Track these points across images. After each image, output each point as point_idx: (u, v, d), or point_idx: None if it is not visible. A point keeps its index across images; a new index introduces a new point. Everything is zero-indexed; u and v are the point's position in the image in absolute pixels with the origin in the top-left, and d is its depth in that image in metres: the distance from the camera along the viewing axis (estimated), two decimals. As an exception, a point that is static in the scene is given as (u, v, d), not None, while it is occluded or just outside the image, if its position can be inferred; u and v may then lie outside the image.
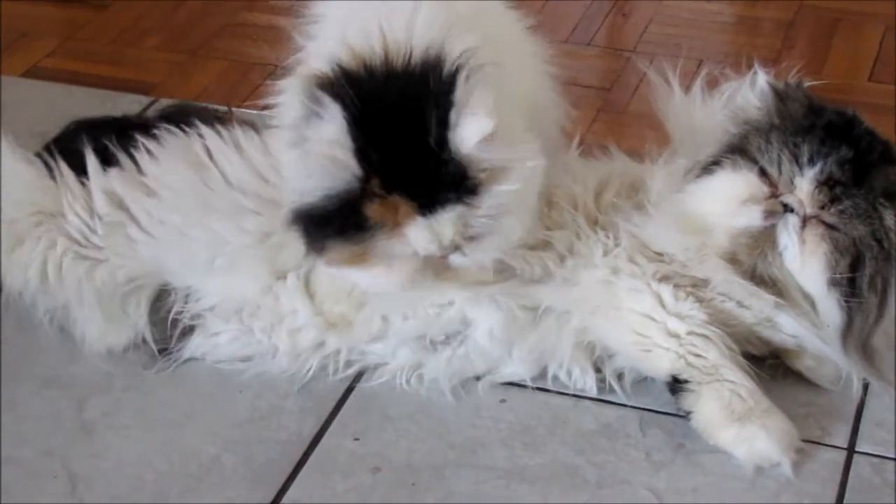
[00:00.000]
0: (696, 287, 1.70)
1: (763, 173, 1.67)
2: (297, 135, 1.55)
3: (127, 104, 2.29)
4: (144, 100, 2.35)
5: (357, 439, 1.68)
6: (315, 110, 1.52)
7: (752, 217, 1.66)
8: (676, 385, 1.67)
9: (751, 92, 1.76)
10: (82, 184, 1.80)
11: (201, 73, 2.48)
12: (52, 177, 1.81)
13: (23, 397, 1.73)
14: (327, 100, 1.51)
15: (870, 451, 1.66)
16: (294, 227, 1.57)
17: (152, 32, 2.61)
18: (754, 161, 1.68)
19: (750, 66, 1.88)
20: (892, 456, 1.65)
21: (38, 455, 1.65)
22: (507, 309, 1.70)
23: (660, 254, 1.73)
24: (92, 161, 1.80)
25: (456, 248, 1.55)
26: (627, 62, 2.48)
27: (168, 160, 1.79)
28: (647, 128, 1.98)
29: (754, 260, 1.67)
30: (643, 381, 1.73)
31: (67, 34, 2.60)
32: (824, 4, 2.67)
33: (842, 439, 1.68)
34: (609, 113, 2.33)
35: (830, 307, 1.66)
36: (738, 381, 1.65)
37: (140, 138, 1.80)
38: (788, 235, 1.65)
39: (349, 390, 1.75)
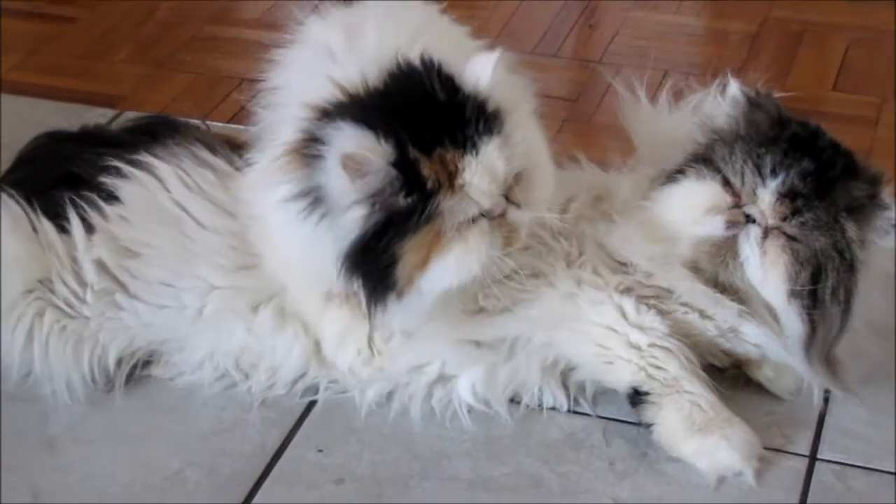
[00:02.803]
0: (658, 298, 1.71)
1: (726, 183, 1.68)
2: (308, 196, 1.55)
3: (94, 117, 2.29)
4: (111, 113, 2.35)
5: (321, 451, 1.68)
6: (318, 150, 1.54)
7: (715, 226, 1.67)
8: (637, 397, 1.68)
9: (721, 100, 1.77)
10: (61, 231, 1.77)
11: (168, 85, 2.48)
12: (38, 240, 1.77)
13: (-14, 412, 1.73)
14: (329, 125, 1.53)
15: (832, 459, 1.67)
16: (352, 273, 1.57)
17: (119, 46, 2.61)
18: (718, 171, 1.68)
19: (715, 77, 1.89)
20: (854, 463, 1.66)
21: (2, 470, 1.64)
22: (487, 361, 1.70)
23: (623, 264, 1.73)
24: (78, 229, 1.77)
25: (510, 200, 1.57)
26: (593, 73, 2.49)
27: (138, 219, 1.78)
28: (612, 138, 1.99)
29: (716, 269, 1.68)
30: (606, 392, 1.73)
31: (34, 48, 2.59)
32: (790, 17, 2.69)
33: (804, 447, 1.69)
34: (574, 123, 2.34)
35: (792, 318, 1.67)
36: (697, 392, 1.65)
37: (101, 203, 1.77)
38: (750, 246, 1.66)
39: (313, 402, 1.75)
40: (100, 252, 1.77)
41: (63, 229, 1.79)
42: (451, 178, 1.53)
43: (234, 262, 1.75)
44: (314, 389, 1.75)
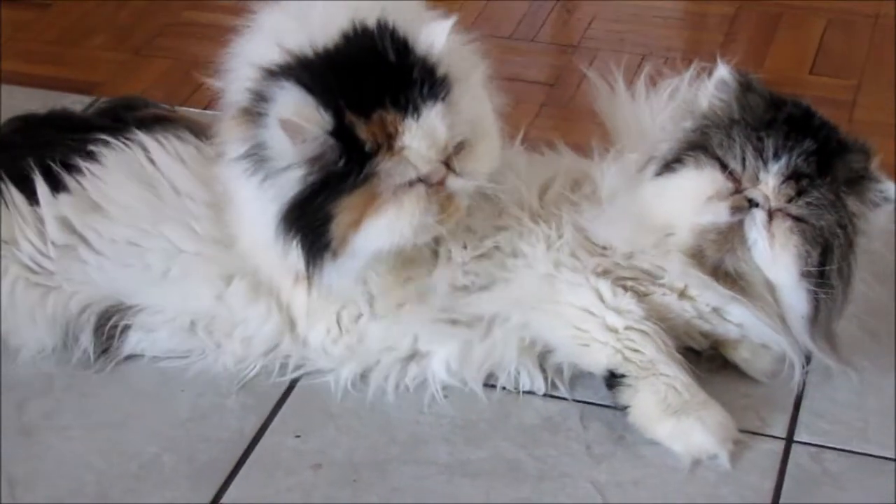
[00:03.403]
0: (636, 280, 1.71)
1: (726, 169, 1.66)
2: (254, 154, 1.57)
3: (70, 104, 2.27)
4: (87, 99, 2.33)
5: (298, 436, 1.68)
6: (263, 108, 1.55)
7: (719, 213, 1.66)
8: (613, 380, 1.68)
9: (701, 84, 1.75)
10: (32, 206, 1.78)
11: (145, 71, 2.47)
12: (5, 203, 1.79)
13: (-39, 400, 1.72)
14: (273, 85, 1.55)
15: (808, 441, 1.68)
16: (288, 230, 1.58)
17: (95, 32, 2.60)
18: (716, 157, 1.67)
19: (691, 62, 1.89)
20: (831, 445, 1.67)
21: (-23, 458, 1.64)
22: (462, 338, 1.71)
23: (603, 247, 1.73)
24: (42, 187, 1.78)
25: (449, 167, 1.58)
26: (571, 58, 2.49)
27: (112, 178, 1.79)
28: (591, 122, 1.99)
29: (722, 255, 1.67)
30: (583, 375, 1.74)
31: (9, 34, 2.58)
32: (767, -1, 2.70)
33: (780, 429, 1.69)
34: (553, 108, 2.34)
35: (799, 298, 1.67)
36: (673, 375, 1.66)
37: (80, 162, 1.79)
38: (757, 230, 1.65)
39: (291, 388, 1.75)
40: (64, 209, 1.77)
41: (37, 202, 1.79)
42: (390, 140, 1.54)
43: (207, 231, 1.75)
44: (290, 367, 1.75)
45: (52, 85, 2.40)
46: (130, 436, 1.68)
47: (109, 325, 1.76)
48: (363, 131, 1.53)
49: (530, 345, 1.72)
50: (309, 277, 1.63)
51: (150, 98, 2.18)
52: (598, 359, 1.68)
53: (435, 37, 1.57)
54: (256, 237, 1.68)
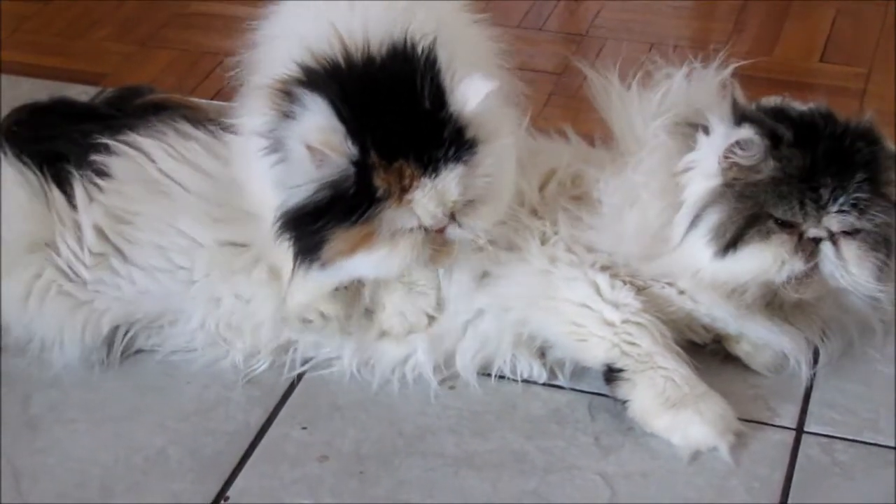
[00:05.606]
0: (634, 276, 1.70)
1: (786, 224, 1.65)
2: (271, 141, 1.57)
3: (76, 95, 2.27)
4: (93, 90, 2.32)
5: (305, 428, 1.68)
6: (291, 110, 1.54)
7: (795, 267, 1.65)
8: (611, 374, 1.67)
9: (730, 143, 1.65)
10: (73, 207, 1.78)
11: (151, 62, 2.47)
12: (47, 202, 1.78)
13: (-33, 393, 1.72)
14: (306, 94, 1.53)
15: (818, 432, 1.66)
16: (284, 231, 1.58)
17: (101, 23, 2.60)
18: (775, 219, 1.65)
19: (700, 51, 1.86)
20: (841, 436, 1.66)
21: (-17, 451, 1.64)
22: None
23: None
24: (80, 193, 1.77)
25: (453, 217, 1.58)
26: (580, 47, 2.48)
27: (127, 189, 1.78)
28: (598, 112, 1.97)
29: (809, 295, 1.68)
30: (590, 367, 1.72)
31: (15, 26, 2.58)
32: (777, -12, 2.68)
33: (790, 420, 1.68)
34: (561, 97, 2.33)
35: (872, 290, 1.67)
36: (672, 367, 1.64)
37: (89, 175, 1.78)
38: (831, 263, 1.65)
39: (297, 380, 1.74)
40: (97, 218, 1.77)
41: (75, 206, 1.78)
42: (402, 191, 1.54)
43: (225, 235, 1.75)
44: (295, 359, 1.74)
45: (58, 76, 2.40)
46: (136, 429, 1.67)
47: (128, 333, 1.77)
48: (380, 177, 1.53)
49: (528, 339, 1.71)
50: (294, 270, 1.63)
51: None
52: (596, 354, 1.67)
53: (471, 97, 1.55)
54: (259, 196, 1.67)
